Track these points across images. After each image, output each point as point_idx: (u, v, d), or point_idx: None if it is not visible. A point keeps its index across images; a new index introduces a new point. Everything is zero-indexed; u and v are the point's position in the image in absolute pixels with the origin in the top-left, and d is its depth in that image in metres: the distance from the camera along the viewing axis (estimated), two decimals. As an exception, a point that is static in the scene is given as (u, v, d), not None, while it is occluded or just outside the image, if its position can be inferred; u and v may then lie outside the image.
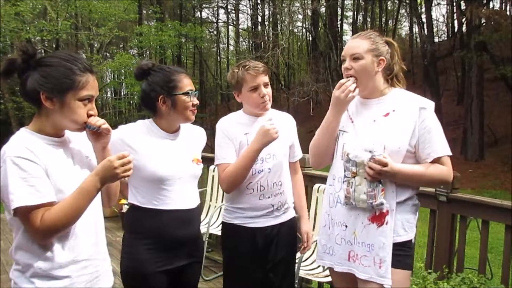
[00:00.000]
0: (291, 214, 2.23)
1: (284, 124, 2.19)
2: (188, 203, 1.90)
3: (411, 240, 1.81)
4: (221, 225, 2.27)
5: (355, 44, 1.80)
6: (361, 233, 1.77)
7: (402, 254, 1.76)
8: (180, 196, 1.86)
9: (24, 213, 1.31)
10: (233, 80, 2.09)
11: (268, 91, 2.08)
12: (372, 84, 1.81)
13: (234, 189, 2.06)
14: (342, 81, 1.79)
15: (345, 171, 1.78)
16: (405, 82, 1.89)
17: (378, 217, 1.74)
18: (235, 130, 2.10)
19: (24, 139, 1.39)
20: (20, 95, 1.45)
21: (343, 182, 1.79)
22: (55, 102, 1.38)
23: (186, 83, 1.86)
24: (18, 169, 1.31)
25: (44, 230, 1.33)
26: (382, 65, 1.79)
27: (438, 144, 1.75)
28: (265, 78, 2.08)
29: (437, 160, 1.75)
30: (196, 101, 1.88)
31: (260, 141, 1.95)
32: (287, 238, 2.18)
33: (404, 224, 1.77)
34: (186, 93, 1.84)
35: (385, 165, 1.66)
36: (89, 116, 1.45)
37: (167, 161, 1.84)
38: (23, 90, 1.40)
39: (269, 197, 2.10)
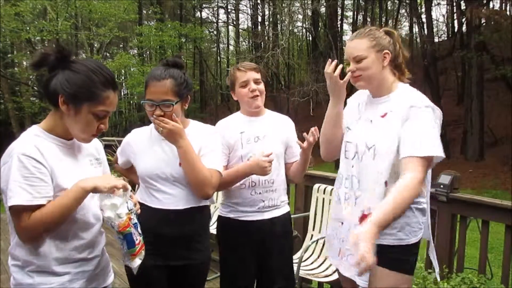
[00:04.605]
0: (284, 210, 2.27)
1: (280, 126, 2.27)
2: (175, 203, 1.87)
3: (413, 244, 1.74)
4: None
5: (354, 45, 1.74)
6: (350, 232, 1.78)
7: (401, 258, 1.72)
8: (167, 196, 1.87)
9: (17, 212, 1.32)
10: (229, 81, 2.22)
11: (259, 87, 2.15)
12: (381, 81, 1.75)
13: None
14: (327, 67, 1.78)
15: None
16: (406, 72, 1.81)
17: (363, 218, 1.72)
18: (230, 132, 2.17)
19: (34, 138, 1.39)
20: (41, 90, 1.46)
21: None
22: (70, 108, 1.39)
23: (150, 91, 1.81)
24: (22, 166, 1.31)
25: (30, 229, 1.32)
26: (388, 59, 1.73)
27: (409, 144, 1.61)
28: (255, 75, 2.15)
29: (406, 162, 1.60)
30: (158, 112, 1.79)
31: (255, 171, 2.05)
32: (281, 233, 2.23)
33: (404, 228, 1.71)
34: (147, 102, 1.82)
35: None
36: (99, 129, 1.44)
37: (153, 162, 1.89)
38: (45, 87, 1.41)
39: (260, 193, 2.15)
